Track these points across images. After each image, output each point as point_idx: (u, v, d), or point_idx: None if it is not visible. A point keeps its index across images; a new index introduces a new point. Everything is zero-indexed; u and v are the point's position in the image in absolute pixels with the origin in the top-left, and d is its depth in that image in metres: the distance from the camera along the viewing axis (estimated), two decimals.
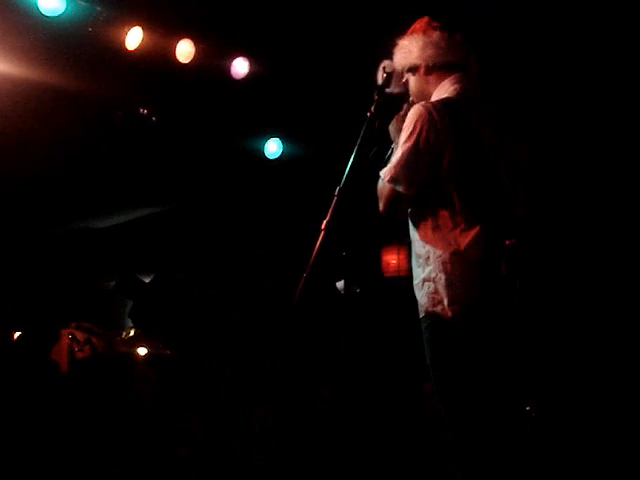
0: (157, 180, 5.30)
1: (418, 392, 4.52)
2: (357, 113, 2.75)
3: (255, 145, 5.34)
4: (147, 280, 5.38)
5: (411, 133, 2.47)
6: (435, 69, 2.62)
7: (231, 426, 4.05)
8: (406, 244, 5.45)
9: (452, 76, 2.61)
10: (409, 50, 2.64)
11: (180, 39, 4.69)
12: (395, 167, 2.49)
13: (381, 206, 2.60)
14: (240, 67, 4.93)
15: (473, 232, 2.45)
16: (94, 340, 4.52)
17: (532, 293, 2.57)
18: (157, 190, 5.40)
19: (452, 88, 2.59)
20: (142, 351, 4.72)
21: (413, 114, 2.50)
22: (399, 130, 2.59)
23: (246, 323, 4.63)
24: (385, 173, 2.54)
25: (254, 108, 5.04)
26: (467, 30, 2.68)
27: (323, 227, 2.65)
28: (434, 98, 2.61)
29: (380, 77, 2.77)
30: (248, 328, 4.58)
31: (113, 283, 5.60)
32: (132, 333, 5.10)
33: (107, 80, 4.60)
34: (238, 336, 4.54)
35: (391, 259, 5.38)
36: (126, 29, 4.47)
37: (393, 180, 2.50)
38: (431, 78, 2.63)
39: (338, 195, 2.67)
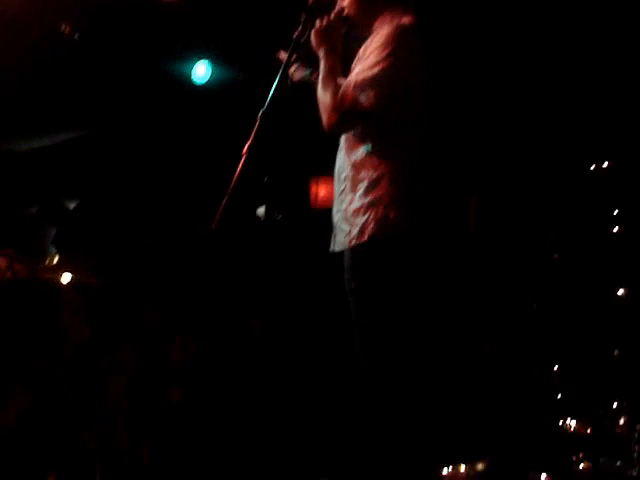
0: (80, 102, 5.09)
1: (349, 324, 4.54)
2: (287, 33, 2.70)
3: (182, 68, 5.15)
4: (71, 206, 5.22)
5: (391, 51, 2.42)
6: None
7: (156, 357, 4.02)
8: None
9: (401, 6, 2.58)
10: None
11: None
12: (368, 79, 2.42)
13: (333, 118, 2.49)
14: None
15: (433, 157, 2.45)
16: (16, 266, 4.40)
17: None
18: (81, 113, 5.19)
19: (406, 17, 2.55)
20: (66, 278, 4.63)
21: (390, 33, 2.46)
22: (325, 39, 2.56)
23: (170, 251, 4.56)
24: (352, 84, 2.45)
25: (182, 28, 4.86)
26: None
27: (244, 152, 2.62)
28: (381, 23, 2.57)
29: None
30: (172, 256, 4.51)
31: (35, 209, 5.42)
32: (56, 260, 4.98)
33: None
34: (162, 264, 4.48)
35: (319, 190, 5.34)
36: None
37: (358, 88, 2.42)
38: (379, 3, 2.59)
39: (260, 119, 2.64)
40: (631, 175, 5.07)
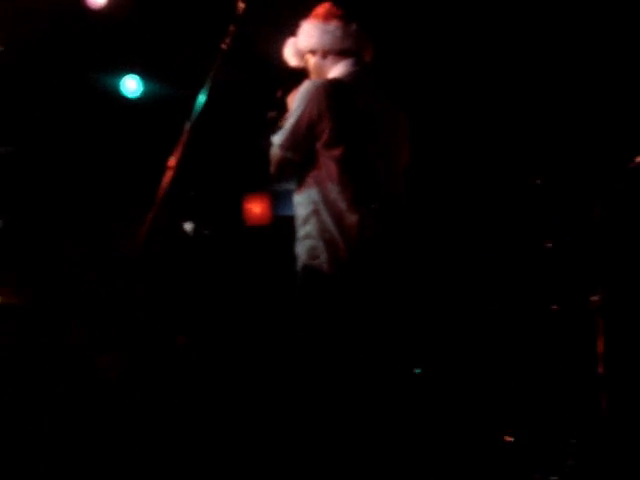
0: (6, 117, 4.92)
1: (282, 342, 4.49)
2: (216, 46, 2.80)
3: (112, 83, 5.03)
4: None
5: (299, 106, 2.82)
6: (331, 53, 2.99)
7: (79, 375, 3.88)
8: (270, 193, 5.40)
9: (345, 60, 2.97)
10: (310, 34, 3.00)
11: None
12: (284, 134, 2.84)
13: (272, 170, 2.93)
14: None
15: (349, 197, 2.77)
16: None
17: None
18: (6, 128, 5.01)
19: (342, 70, 2.96)
20: None
21: (303, 90, 2.84)
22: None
23: (95, 269, 4.43)
24: (277, 140, 2.87)
25: (112, 42, 4.76)
26: (365, 19, 3.07)
27: (170, 165, 2.59)
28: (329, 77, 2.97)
29: (239, 8, 2.80)
30: (98, 273, 4.38)
31: None
32: None
33: None
34: (88, 282, 4.34)
35: (253, 207, 5.28)
36: None
37: (282, 147, 2.84)
38: (327, 61, 2.99)
39: (188, 132, 2.63)
40: (563, 189, 5.16)
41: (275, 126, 2.97)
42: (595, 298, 3.93)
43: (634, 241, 4.57)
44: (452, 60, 4.95)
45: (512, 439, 4.18)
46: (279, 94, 3.04)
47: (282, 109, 2.98)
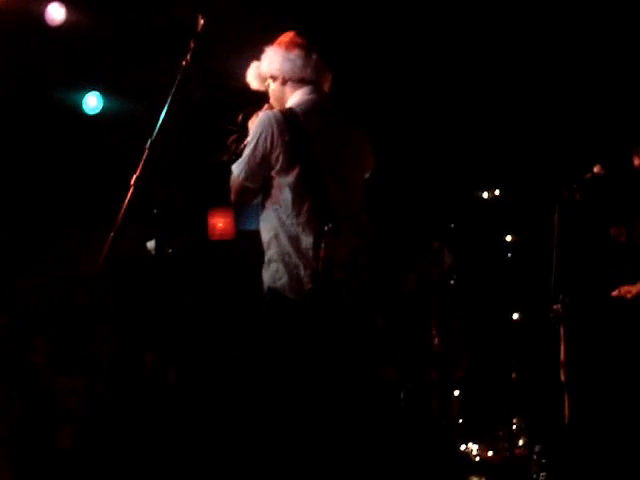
0: None
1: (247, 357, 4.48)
2: (176, 62, 2.77)
3: (73, 99, 4.99)
4: None
5: (254, 136, 2.93)
6: (290, 80, 3.06)
7: (40, 398, 3.81)
8: (232, 208, 5.40)
9: (303, 88, 3.06)
10: (272, 61, 3.08)
11: None
12: (241, 164, 2.94)
13: (232, 197, 3.03)
14: (56, 13, 4.58)
15: (304, 220, 2.87)
16: None
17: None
18: None
19: (298, 99, 3.04)
20: None
21: (258, 120, 2.96)
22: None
23: (57, 288, 4.37)
24: (235, 169, 2.96)
25: (72, 59, 4.72)
26: (326, 49, 3.13)
27: (132, 183, 2.56)
28: (287, 105, 3.04)
29: (198, 26, 2.79)
30: (59, 293, 4.32)
31: None
32: None
33: None
34: (50, 302, 4.27)
35: (217, 222, 5.27)
36: None
37: (240, 175, 2.95)
38: (287, 88, 3.07)
39: (149, 149, 2.61)
40: (520, 203, 5.27)
41: (237, 149, 3.03)
42: (557, 307, 4.00)
43: (592, 250, 4.67)
44: (409, 80, 5.06)
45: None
46: (240, 118, 3.09)
47: (243, 133, 3.04)
